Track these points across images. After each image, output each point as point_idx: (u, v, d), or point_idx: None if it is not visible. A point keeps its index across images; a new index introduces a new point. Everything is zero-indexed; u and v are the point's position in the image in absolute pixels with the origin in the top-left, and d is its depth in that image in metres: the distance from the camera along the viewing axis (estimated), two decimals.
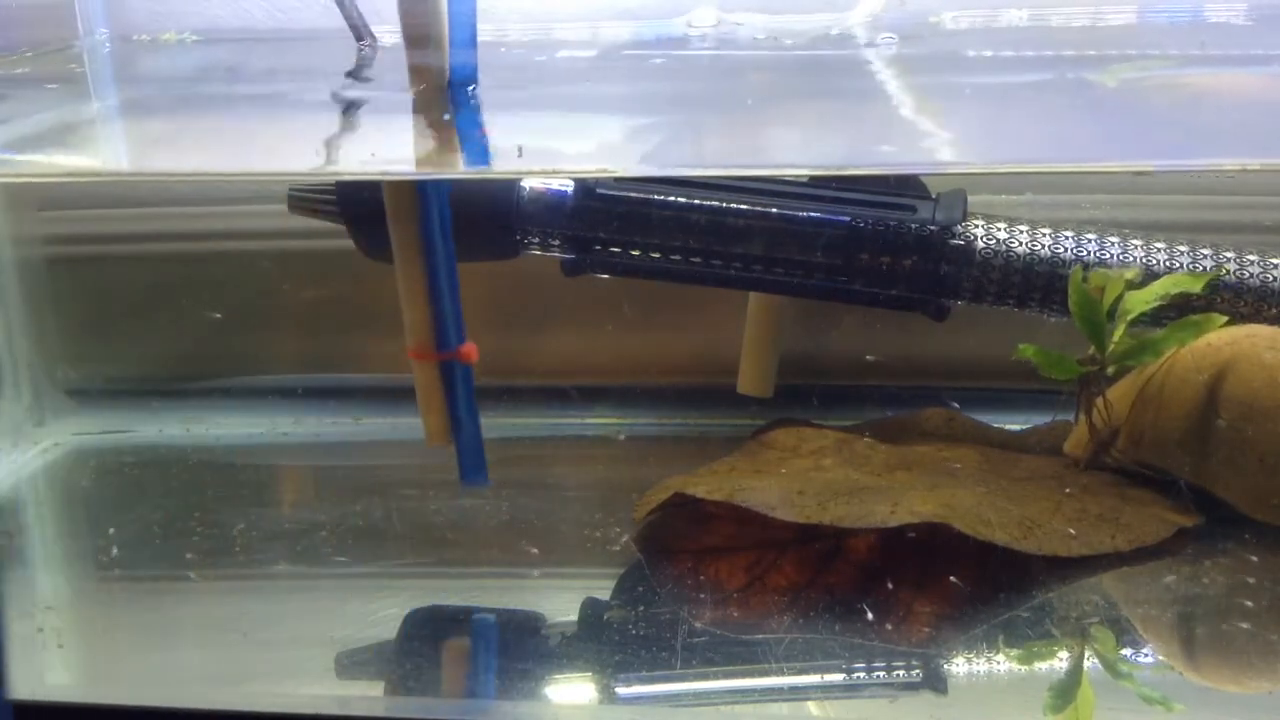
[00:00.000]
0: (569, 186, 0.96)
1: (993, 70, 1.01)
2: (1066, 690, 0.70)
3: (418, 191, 0.88)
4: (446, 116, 0.89)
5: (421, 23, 0.89)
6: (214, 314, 1.11)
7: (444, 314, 0.90)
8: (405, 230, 0.90)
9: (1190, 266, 0.92)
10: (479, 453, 0.90)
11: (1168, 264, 0.92)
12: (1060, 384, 0.91)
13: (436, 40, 0.90)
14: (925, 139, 0.85)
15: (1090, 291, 0.87)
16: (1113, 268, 0.92)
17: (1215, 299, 0.92)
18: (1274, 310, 0.92)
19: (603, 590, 0.82)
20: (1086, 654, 0.74)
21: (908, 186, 0.96)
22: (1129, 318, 0.87)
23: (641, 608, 0.79)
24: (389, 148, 0.92)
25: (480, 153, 0.86)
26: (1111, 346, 0.88)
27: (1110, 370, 0.89)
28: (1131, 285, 0.87)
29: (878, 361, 1.07)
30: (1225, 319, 0.87)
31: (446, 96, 0.89)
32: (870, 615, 0.76)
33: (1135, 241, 0.94)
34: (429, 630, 0.79)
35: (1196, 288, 0.89)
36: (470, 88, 0.90)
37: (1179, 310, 0.90)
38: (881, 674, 0.72)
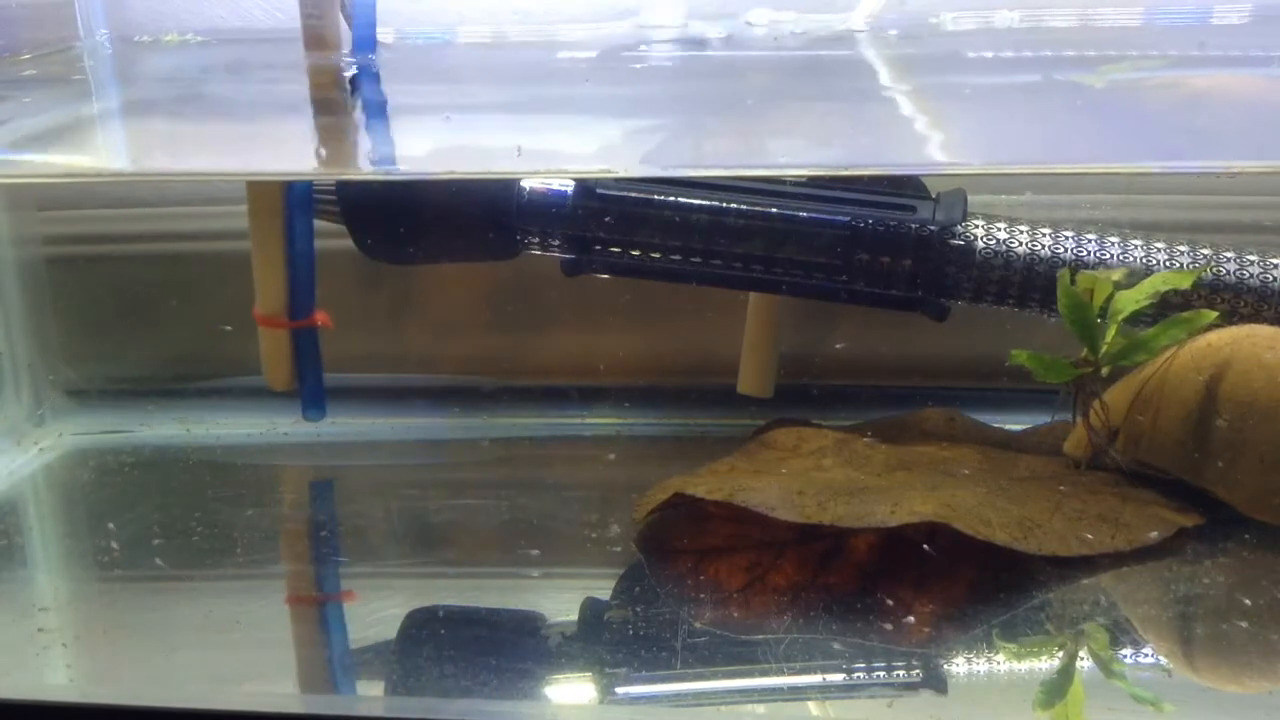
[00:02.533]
0: (569, 186, 0.96)
1: (985, 71, 1.01)
2: (1057, 688, 0.70)
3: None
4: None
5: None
6: (225, 326, 1.11)
7: (300, 283, 0.99)
8: (266, 199, 0.96)
9: (1190, 267, 0.92)
10: (320, 395, 1.08)
11: (1167, 264, 0.93)
12: (1059, 384, 0.91)
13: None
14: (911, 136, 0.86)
15: (1079, 294, 0.87)
16: (1113, 268, 0.92)
17: (1216, 299, 0.92)
18: (1274, 310, 0.92)
19: (603, 590, 0.82)
20: (1084, 654, 0.74)
21: (907, 186, 0.96)
22: (1120, 318, 0.87)
23: (641, 608, 0.79)
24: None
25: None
26: (1105, 347, 0.88)
27: (1105, 371, 0.89)
28: (1120, 285, 0.87)
29: (845, 350, 1.08)
30: (1215, 315, 0.87)
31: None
32: (870, 615, 0.76)
33: (1135, 241, 0.94)
34: (429, 630, 0.79)
35: (1185, 284, 0.89)
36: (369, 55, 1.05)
37: (1180, 310, 0.90)
38: (881, 674, 0.72)
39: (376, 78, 1.04)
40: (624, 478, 1.03)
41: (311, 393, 1.07)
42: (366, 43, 1.04)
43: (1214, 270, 0.92)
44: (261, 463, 1.10)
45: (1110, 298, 0.87)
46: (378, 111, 1.00)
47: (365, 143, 0.94)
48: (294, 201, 1.00)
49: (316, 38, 1.02)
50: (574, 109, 0.98)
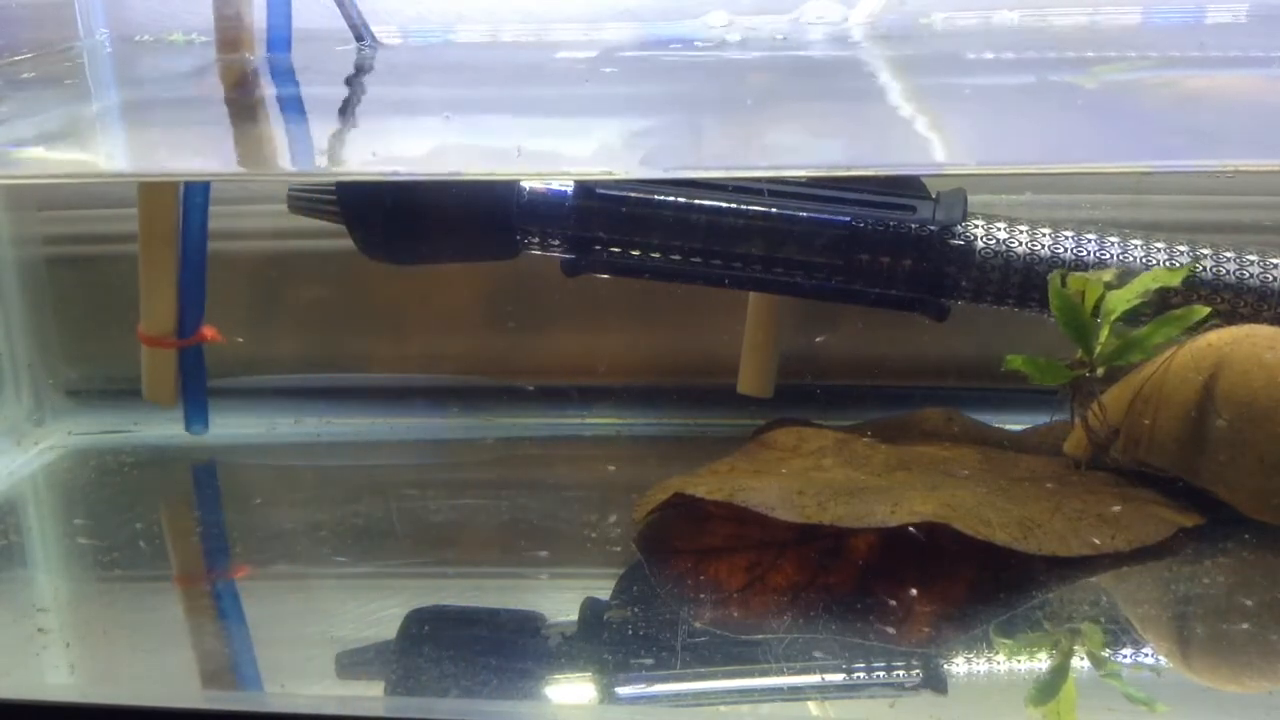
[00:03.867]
0: (569, 186, 0.96)
1: (981, 72, 1.01)
2: (1051, 687, 0.70)
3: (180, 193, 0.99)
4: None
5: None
6: (236, 339, 1.11)
7: (190, 300, 1.01)
8: (157, 222, 0.98)
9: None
10: (204, 409, 1.08)
11: (1167, 264, 0.92)
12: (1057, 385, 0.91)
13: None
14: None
15: (1071, 295, 0.87)
16: (1111, 268, 0.92)
17: (1215, 298, 0.92)
18: (1274, 310, 0.92)
19: (603, 590, 0.82)
20: (1082, 653, 0.74)
21: (907, 187, 0.96)
22: (1112, 318, 0.87)
23: (641, 608, 0.79)
24: None
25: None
26: (1099, 348, 0.88)
27: (1100, 371, 0.89)
28: (1111, 285, 0.87)
29: (825, 343, 1.08)
30: (1208, 310, 0.86)
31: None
32: (870, 615, 0.76)
33: (1135, 241, 0.94)
34: (429, 630, 0.79)
35: (1175, 282, 0.89)
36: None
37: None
38: (881, 674, 0.72)
39: (293, 76, 1.05)
40: (624, 478, 1.03)
41: (195, 406, 1.07)
42: (281, 43, 1.04)
43: (1211, 269, 0.92)
44: (261, 463, 1.11)
45: (1102, 298, 0.87)
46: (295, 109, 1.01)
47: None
48: (190, 216, 1.00)
49: (231, 39, 1.03)
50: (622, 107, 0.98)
